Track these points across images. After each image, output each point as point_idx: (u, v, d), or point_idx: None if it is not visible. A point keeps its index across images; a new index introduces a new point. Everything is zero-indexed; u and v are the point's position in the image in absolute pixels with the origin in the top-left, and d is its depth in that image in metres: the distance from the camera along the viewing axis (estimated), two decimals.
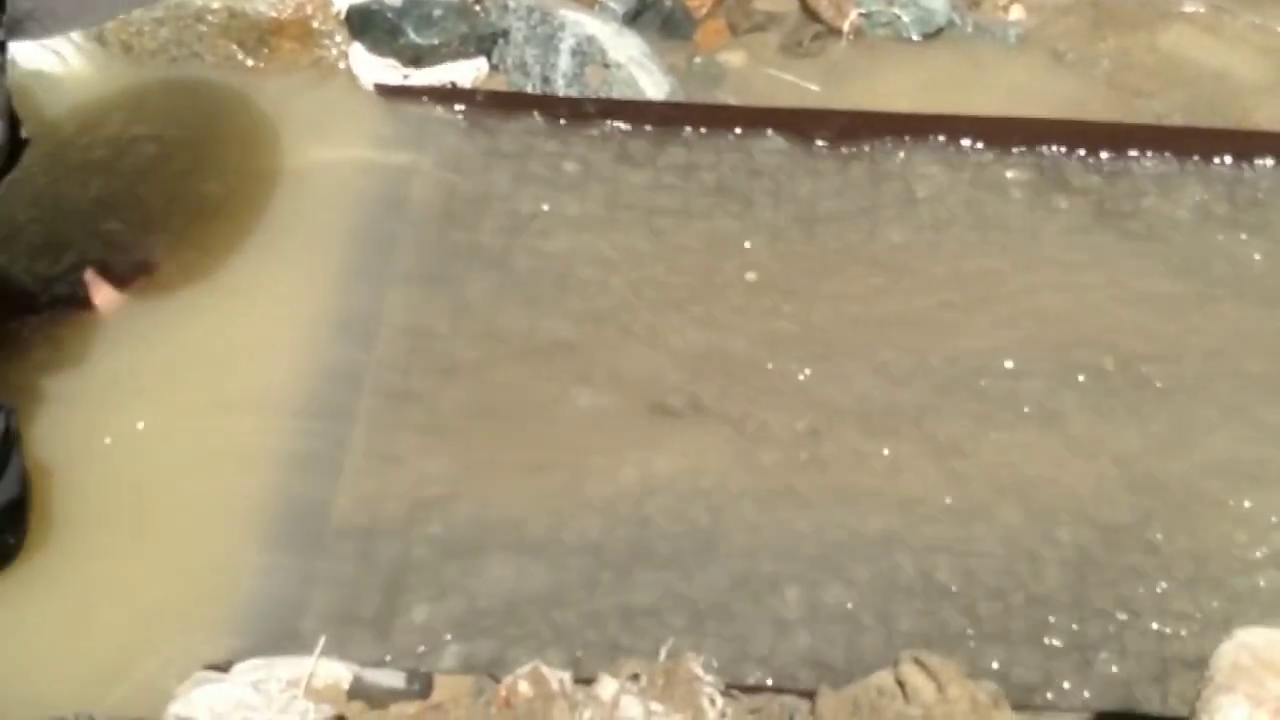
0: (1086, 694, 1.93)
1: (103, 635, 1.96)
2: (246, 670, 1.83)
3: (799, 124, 2.53)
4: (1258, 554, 2.04)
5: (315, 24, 2.59)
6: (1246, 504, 2.09)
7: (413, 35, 2.55)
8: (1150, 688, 1.93)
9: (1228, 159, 2.49)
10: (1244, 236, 2.39)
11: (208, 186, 2.42)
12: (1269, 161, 2.48)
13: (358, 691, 1.81)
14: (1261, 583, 2.02)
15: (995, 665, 1.95)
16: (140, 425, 2.15)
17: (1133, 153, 2.49)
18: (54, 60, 2.55)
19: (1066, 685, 1.94)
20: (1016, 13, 2.76)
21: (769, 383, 2.22)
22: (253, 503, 2.08)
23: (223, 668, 1.84)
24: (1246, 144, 2.51)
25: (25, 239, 2.34)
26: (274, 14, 2.57)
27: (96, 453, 2.12)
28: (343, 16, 2.58)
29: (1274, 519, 2.08)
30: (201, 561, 2.03)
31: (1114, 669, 1.95)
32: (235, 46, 2.58)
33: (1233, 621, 1.84)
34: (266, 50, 2.58)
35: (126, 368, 2.21)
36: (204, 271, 2.31)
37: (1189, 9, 2.76)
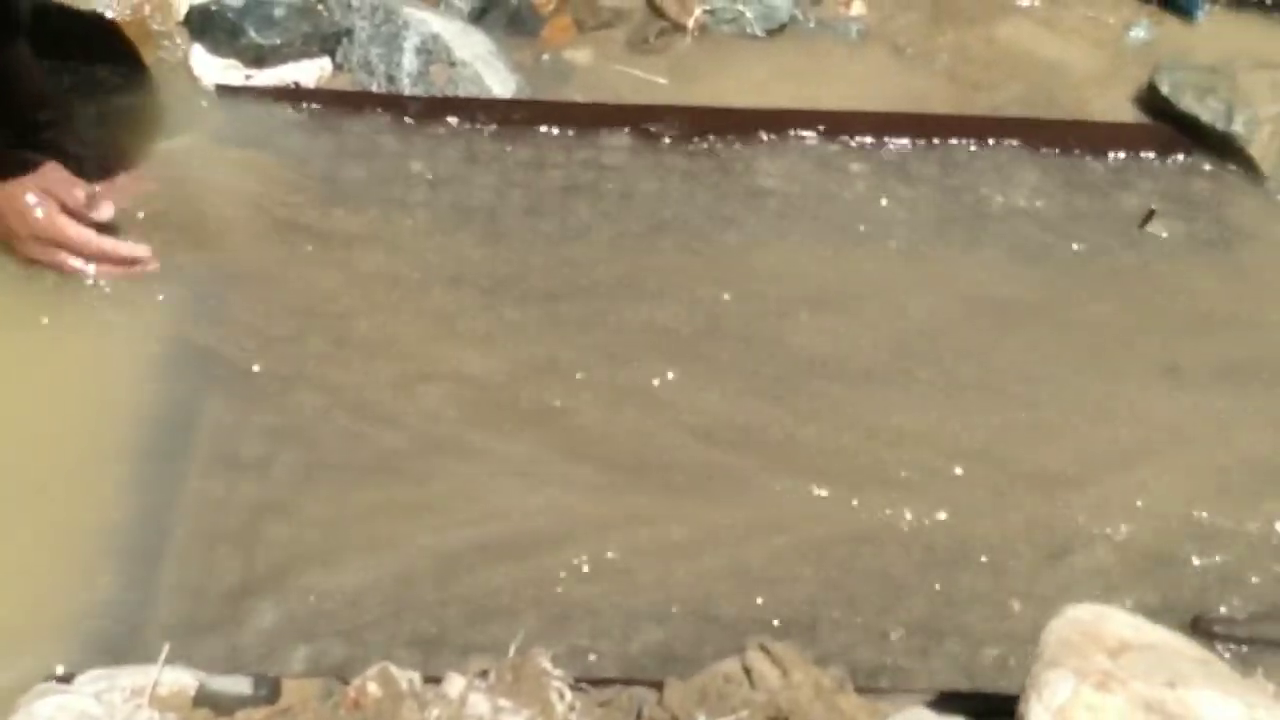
0: (929, 675, 1.96)
1: None
2: (89, 681, 1.79)
3: (646, 120, 2.54)
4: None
5: (154, 25, 2.55)
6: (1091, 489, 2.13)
7: (254, 35, 2.52)
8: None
9: (1073, 150, 2.55)
10: (1078, 227, 2.46)
11: None
12: (1120, 154, 2.55)
13: (203, 699, 1.79)
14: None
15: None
16: None
17: (972, 143, 2.55)
18: None
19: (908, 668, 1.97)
20: (857, 8, 2.80)
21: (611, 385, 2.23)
22: None
23: (66, 679, 1.81)
24: (1083, 134, 2.57)
25: None
26: (111, 15, 2.52)
27: None
28: (182, 18, 2.55)
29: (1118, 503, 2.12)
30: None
31: (957, 650, 1.99)
32: None
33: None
34: None
35: None
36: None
37: (1024, 3, 2.83)
